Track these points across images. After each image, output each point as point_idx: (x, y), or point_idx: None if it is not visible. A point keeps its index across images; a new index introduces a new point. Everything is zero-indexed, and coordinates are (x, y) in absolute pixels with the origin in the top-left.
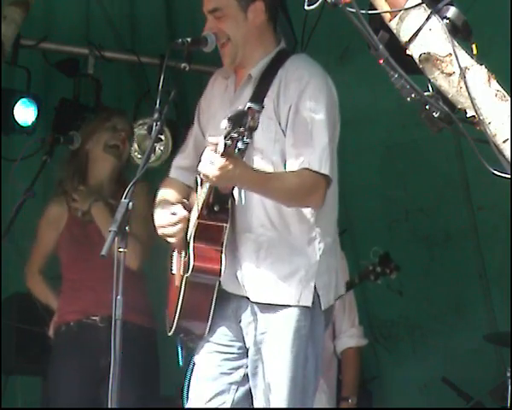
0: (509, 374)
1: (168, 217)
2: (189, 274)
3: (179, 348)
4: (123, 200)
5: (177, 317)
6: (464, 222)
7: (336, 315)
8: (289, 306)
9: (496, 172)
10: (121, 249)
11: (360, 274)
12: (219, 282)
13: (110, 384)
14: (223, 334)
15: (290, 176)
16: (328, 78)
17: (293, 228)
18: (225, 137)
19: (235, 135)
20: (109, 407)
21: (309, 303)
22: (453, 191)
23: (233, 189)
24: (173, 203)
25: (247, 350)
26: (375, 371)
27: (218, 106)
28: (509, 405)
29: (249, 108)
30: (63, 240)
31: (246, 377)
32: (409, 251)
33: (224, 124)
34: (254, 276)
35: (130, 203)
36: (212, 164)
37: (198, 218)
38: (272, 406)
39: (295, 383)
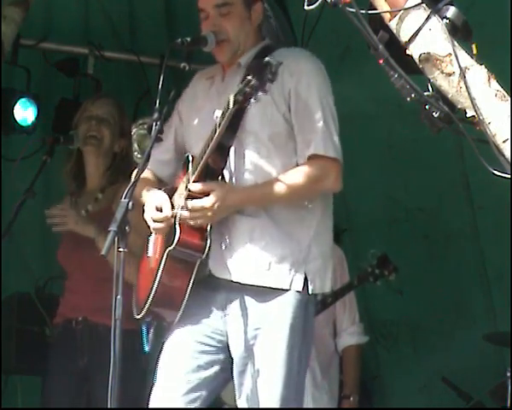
0: (509, 374)
1: (155, 211)
2: (172, 248)
3: (144, 333)
4: (122, 200)
5: (151, 297)
6: (465, 221)
7: (337, 313)
8: (282, 290)
9: (496, 172)
10: (121, 249)
11: (359, 276)
12: (209, 269)
13: (110, 384)
14: (206, 324)
15: (291, 174)
16: (321, 63)
17: (285, 212)
18: (238, 93)
19: (248, 89)
20: (109, 407)
21: (300, 288)
22: (454, 191)
23: (223, 169)
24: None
25: (227, 345)
26: (375, 371)
27: (203, 101)
28: (508, 405)
29: (268, 61)
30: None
31: (217, 373)
32: (409, 250)
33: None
34: (247, 258)
35: (131, 203)
36: (204, 212)
37: (187, 197)
38: (265, 405)
39: (289, 382)
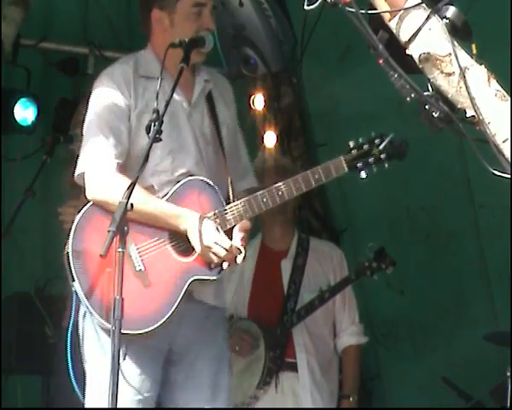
0: (509, 374)
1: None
2: (219, 275)
3: None
4: (121, 200)
5: (165, 318)
6: (466, 220)
7: (336, 313)
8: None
9: (496, 171)
10: (120, 249)
11: (356, 270)
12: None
13: (110, 384)
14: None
15: None
16: None
17: None
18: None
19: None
20: (109, 407)
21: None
22: (455, 189)
23: None
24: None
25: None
26: (375, 371)
27: (173, 114)
28: (508, 405)
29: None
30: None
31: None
32: (410, 250)
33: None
34: (217, 283)
35: (130, 203)
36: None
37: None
38: (218, 405)
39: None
